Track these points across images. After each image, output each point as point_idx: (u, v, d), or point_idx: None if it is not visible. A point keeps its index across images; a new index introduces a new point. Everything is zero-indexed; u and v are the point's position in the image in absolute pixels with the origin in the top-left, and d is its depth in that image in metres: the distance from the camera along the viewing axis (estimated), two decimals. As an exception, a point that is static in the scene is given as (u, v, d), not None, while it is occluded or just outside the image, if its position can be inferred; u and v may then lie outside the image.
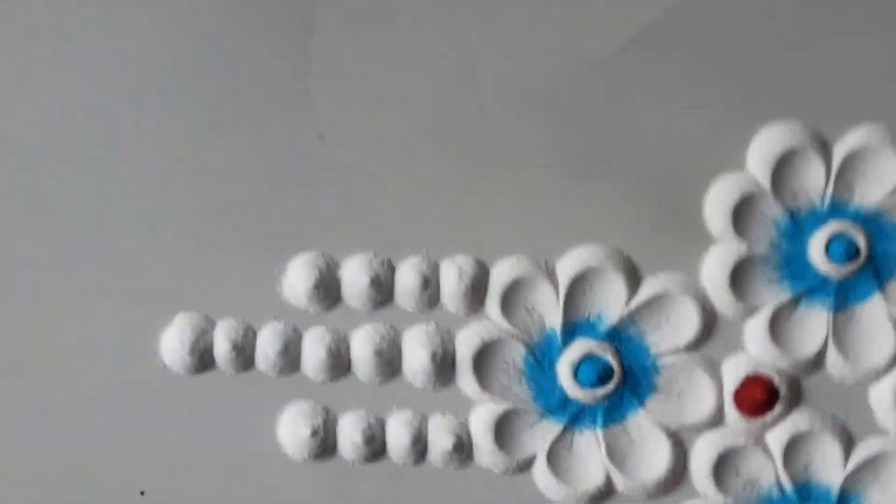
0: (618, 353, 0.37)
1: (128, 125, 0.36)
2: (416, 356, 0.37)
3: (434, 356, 0.36)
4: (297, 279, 0.36)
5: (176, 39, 0.36)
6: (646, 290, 0.37)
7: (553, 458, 0.37)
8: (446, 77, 0.36)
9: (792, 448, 0.38)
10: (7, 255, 0.36)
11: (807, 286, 0.37)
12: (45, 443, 0.37)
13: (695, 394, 0.38)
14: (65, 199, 0.36)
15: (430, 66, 0.36)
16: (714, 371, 0.37)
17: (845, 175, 0.37)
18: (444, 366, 0.37)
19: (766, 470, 0.38)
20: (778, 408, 0.37)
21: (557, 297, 0.37)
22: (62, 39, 0.36)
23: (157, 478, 0.37)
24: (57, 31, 0.36)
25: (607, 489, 0.38)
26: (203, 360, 0.37)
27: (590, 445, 0.38)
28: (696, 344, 0.37)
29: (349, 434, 0.37)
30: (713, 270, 0.37)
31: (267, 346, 0.37)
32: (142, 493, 0.37)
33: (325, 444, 0.37)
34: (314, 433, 0.37)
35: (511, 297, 0.37)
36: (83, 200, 0.36)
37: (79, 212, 0.36)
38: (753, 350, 0.37)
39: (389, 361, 0.37)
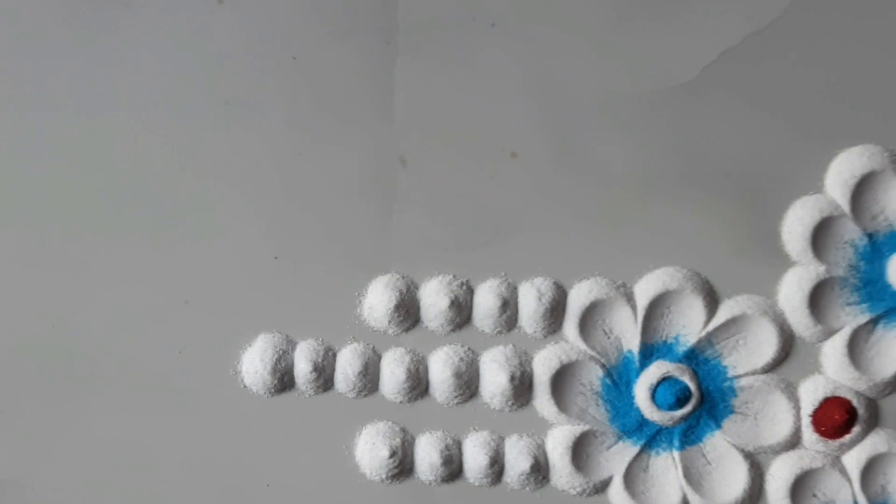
0: (695, 374, 0.37)
1: (211, 142, 0.37)
2: (493, 378, 0.37)
3: (512, 378, 0.37)
4: (377, 301, 0.37)
5: (263, 57, 0.37)
6: (724, 313, 0.37)
7: (629, 479, 0.38)
8: (529, 100, 0.36)
9: (869, 469, 0.38)
10: (87, 271, 0.37)
11: (885, 307, 0.37)
12: (121, 459, 0.37)
13: (772, 415, 0.37)
14: (144, 216, 0.37)
15: (512, 89, 0.36)
16: (791, 393, 0.37)
17: (924, 197, 0.37)
18: (521, 387, 0.37)
19: (843, 492, 0.38)
20: (856, 429, 0.37)
21: (635, 319, 0.37)
22: (155, 49, 0.37)
23: (235, 498, 0.38)
24: (151, 40, 0.37)
25: (683, 510, 0.38)
26: (283, 380, 0.37)
27: (666, 467, 0.38)
28: (774, 366, 0.37)
29: (427, 455, 0.37)
30: (791, 292, 0.37)
31: (347, 366, 0.37)
32: (218, 511, 0.38)
33: (402, 465, 0.37)
34: (392, 454, 0.37)
35: (589, 320, 0.37)
36: (162, 218, 0.37)
37: (159, 230, 0.37)
38: (831, 372, 0.37)
39: (467, 383, 0.37)
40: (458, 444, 0.37)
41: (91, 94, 0.37)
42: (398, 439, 0.37)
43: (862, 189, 0.36)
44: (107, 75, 0.37)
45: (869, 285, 0.37)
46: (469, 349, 0.37)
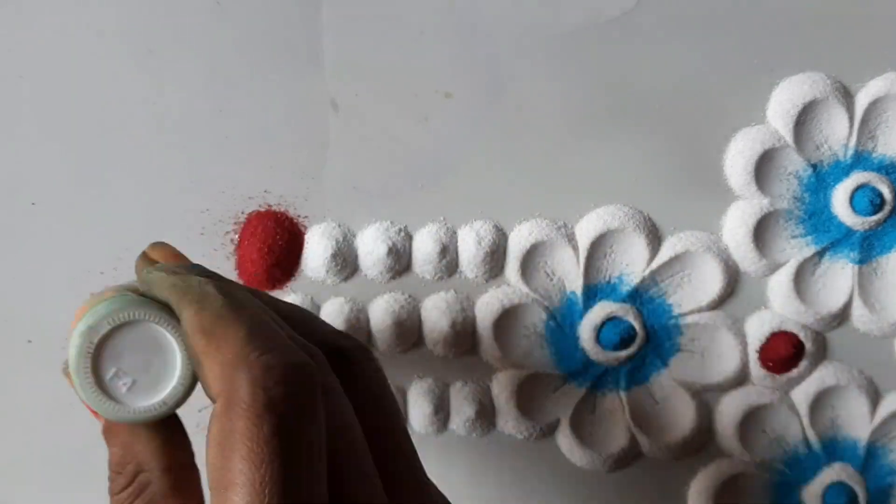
0: (640, 314, 0.36)
1: (135, 92, 0.35)
2: (436, 325, 0.36)
3: (454, 324, 0.36)
4: (313, 250, 0.36)
5: (186, 1, 0.35)
6: (667, 250, 0.36)
7: (576, 422, 0.37)
8: (460, 39, 0.35)
9: (818, 403, 0.38)
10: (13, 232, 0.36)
11: (831, 239, 0.36)
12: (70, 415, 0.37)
13: (718, 352, 0.37)
14: (70, 171, 0.36)
15: (443, 27, 0.35)
16: (738, 329, 0.37)
17: (868, 125, 0.36)
18: (464, 333, 0.36)
19: (792, 426, 0.38)
20: (803, 363, 0.37)
21: (578, 259, 0.36)
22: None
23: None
24: None
25: (632, 451, 0.38)
26: (221, 335, 0.36)
27: (613, 408, 0.37)
28: (719, 302, 0.37)
29: (371, 405, 0.37)
30: (735, 227, 0.36)
31: (285, 319, 0.36)
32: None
33: (347, 416, 0.37)
34: (336, 405, 0.36)
35: (530, 262, 0.36)
36: (87, 172, 0.36)
37: (87, 185, 0.36)
38: (777, 306, 0.37)
39: (409, 331, 0.36)
40: (403, 393, 0.37)
41: (7, 46, 0.35)
42: (341, 390, 0.37)
43: (804, 118, 0.35)
44: (24, 26, 0.35)
45: (814, 217, 0.36)
46: (410, 296, 0.37)
